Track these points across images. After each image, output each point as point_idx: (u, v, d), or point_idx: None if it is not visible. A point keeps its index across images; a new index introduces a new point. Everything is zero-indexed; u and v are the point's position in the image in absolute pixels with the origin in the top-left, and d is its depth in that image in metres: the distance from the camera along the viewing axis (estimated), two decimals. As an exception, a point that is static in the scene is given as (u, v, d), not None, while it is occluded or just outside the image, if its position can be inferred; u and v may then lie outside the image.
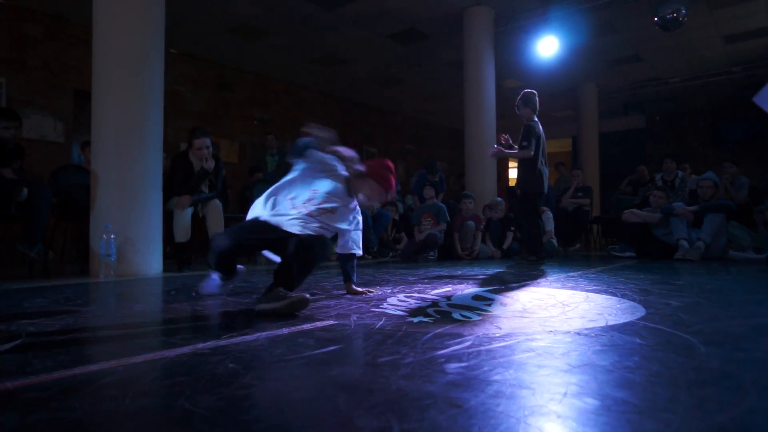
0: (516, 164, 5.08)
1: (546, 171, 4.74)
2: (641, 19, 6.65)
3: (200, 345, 1.39)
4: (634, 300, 2.18)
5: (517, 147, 4.73)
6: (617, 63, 8.73)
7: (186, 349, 1.34)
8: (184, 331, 1.65)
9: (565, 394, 0.94)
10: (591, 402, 0.89)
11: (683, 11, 5.77)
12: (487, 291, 2.61)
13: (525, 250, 5.01)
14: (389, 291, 2.64)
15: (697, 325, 1.62)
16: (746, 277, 3.32)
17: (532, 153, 4.61)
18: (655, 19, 5.94)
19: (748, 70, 8.73)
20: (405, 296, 2.42)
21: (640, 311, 1.88)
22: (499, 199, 6.29)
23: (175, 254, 4.31)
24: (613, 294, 2.40)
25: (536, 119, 4.74)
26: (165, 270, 4.04)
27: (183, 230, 4.16)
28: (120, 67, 3.79)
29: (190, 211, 4.24)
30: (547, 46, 6.72)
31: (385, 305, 2.13)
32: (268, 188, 2.38)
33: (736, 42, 7.82)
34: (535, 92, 4.78)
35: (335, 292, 2.61)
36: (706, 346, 1.31)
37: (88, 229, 3.87)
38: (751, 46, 7.98)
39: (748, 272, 3.69)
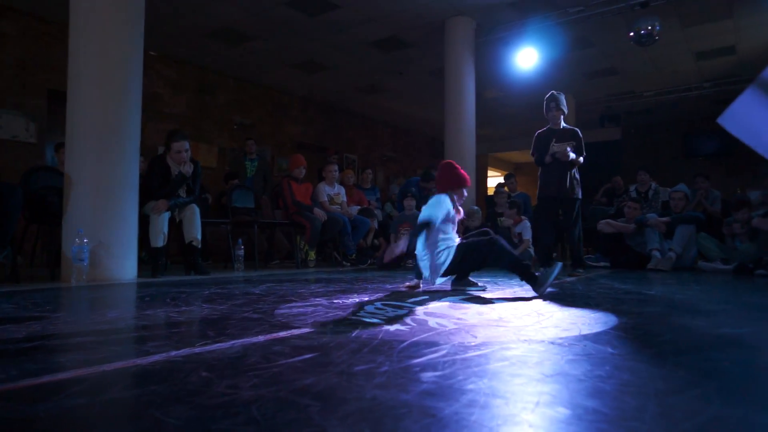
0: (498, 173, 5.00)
1: None
2: (617, 33, 6.83)
3: (174, 353, 1.37)
4: (607, 309, 2.22)
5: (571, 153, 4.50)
6: (594, 76, 8.93)
7: (159, 357, 1.32)
8: (158, 339, 1.62)
9: (537, 404, 0.95)
10: (562, 411, 0.91)
11: (657, 27, 5.95)
12: (463, 299, 2.63)
13: (575, 261, 4.82)
14: (366, 299, 2.64)
15: (666, 334, 1.66)
16: (714, 288, 3.42)
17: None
18: (631, 34, 6.10)
19: (718, 87, 9.02)
20: (382, 304, 2.42)
21: (613, 321, 1.92)
22: (476, 207, 6.35)
23: (151, 259, 4.24)
24: (587, 303, 2.44)
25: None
26: (140, 276, 3.97)
27: (159, 235, 4.09)
28: (97, 68, 3.73)
29: (167, 215, 4.17)
30: (526, 58, 6.84)
31: (362, 313, 2.12)
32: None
33: (706, 59, 8.09)
34: (562, 93, 4.68)
35: (313, 299, 2.60)
36: (674, 356, 1.34)
37: (60, 232, 3.78)
38: (721, 63, 8.26)
39: (716, 283, 3.79)
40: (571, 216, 4.63)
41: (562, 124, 4.63)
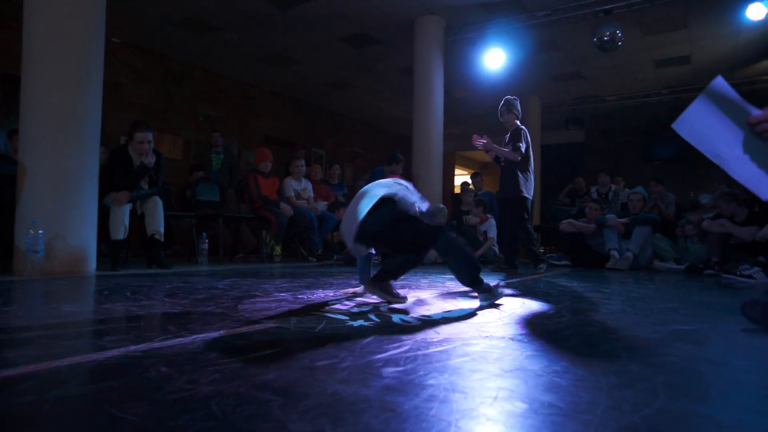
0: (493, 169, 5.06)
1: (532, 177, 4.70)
2: (582, 38, 7.01)
3: (132, 348, 1.34)
4: (566, 307, 2.29)
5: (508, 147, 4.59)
6: (559, 79, 9.13)
7: (116, 352, 1.29)
8: (116, 333, 1.58)
9: (495, 398, 0.97)
10: (520, 405, 0.94)
11: (619, 34, 6.13)
12: (428, 296, 2.66)
13: (507, 258, 4.89)
14: (331, 294, 2.63)
15: (621, 331, 1.72)
16: (667, 287, 3.56)
17: (520, 157, 4.52)
18: (594, 39, 6.27)
19: (675, 94, 9.38)
20: (347, 299, 2.43)
21: (572, 318, 1.98)
22: (442, 206, 6.41)
23: (110, 252, 4.12)
24: (548, 301, 2.51)
25: (521, 125, 4.67)
26: (98, 269, 3.85)
27: (120, 227, 3.98)
28: (54, 51, 3.58)
29: (128, 207, 4.06)
30: (494, 59, 6.94)
31: (326, 308, 2.12)
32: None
33: (664, 67, 8.39)
34: (517, 98, 4.71)
35: (277, 294, 2.58)
36: (626, 351, 1.40)
37: (13, 223, 3.63)
38: (677, 71, 8.59)
39: (669, 282, 3.96)
40: (514, 214, 4.64)
41: (517, 125, 4.66)
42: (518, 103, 4.70)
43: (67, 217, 3.61)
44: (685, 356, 1.40)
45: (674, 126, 1.31)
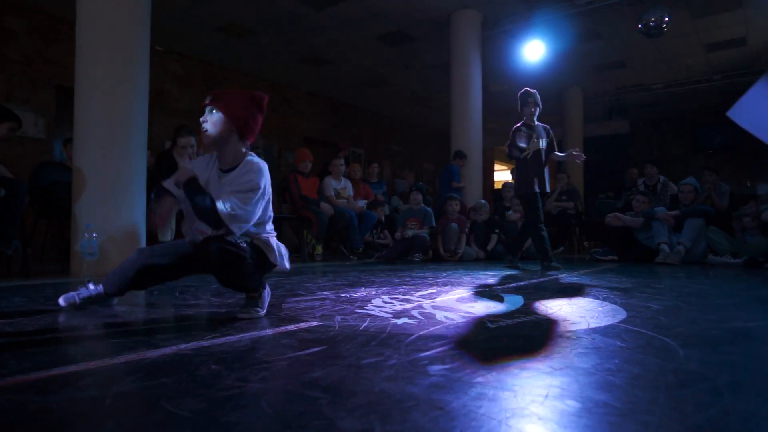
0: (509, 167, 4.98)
1: None
2: (625, 25, 6.76)
3: (183, 346, 1.38)
4: (615, 303, 2.21)
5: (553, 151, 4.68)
6: (602, 68, 8.84)
7: (168, 350, 1.33)
8: (167, 332, 1.63)
9: (546, 397, 0.95)
10: (572, 404, 0.91)
11: (666, 19, 5.87)
12: (471, 293, 2.63)
13: (509, 252, 4.94)
14: (374, 292, 2.64)
15: (676, 328, 1.64)
16: (724, 281, 3.39)
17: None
18: (639, 26, 6.03)
19: (728, 79, 8.91)
20: (390, 297, 2.43)
21: (622, 314, 1.91)
22: (483, 201, 6.34)
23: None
24: (595, 297, 2.43)
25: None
26: (148, 269, 3.99)
27: (167, 230, 4.11)
28: (104, 64, 3.74)
29: (174, 210, 4.19)
30: (533, 51, 6.79)
31: (369, 306, 2.13)
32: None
33: (716, 50, 7.98)
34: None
35: (320, 293, 2.61)
36: (684, 349, 1.33)
37: (70, 227, 3.81)
38: (731, 55, 8.15)
39: (726, 276, 3.76)
40: (541, 210, 4.54)
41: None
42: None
43: (118, 220, 3.76)
44: (750, 355, 1.32)
45: (729, 114, 1.24)
